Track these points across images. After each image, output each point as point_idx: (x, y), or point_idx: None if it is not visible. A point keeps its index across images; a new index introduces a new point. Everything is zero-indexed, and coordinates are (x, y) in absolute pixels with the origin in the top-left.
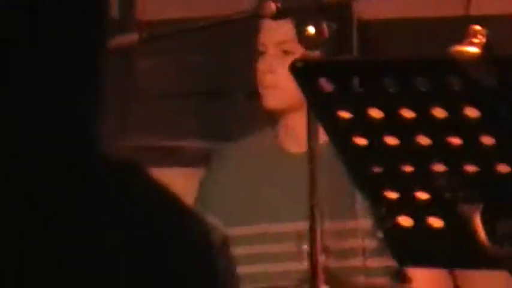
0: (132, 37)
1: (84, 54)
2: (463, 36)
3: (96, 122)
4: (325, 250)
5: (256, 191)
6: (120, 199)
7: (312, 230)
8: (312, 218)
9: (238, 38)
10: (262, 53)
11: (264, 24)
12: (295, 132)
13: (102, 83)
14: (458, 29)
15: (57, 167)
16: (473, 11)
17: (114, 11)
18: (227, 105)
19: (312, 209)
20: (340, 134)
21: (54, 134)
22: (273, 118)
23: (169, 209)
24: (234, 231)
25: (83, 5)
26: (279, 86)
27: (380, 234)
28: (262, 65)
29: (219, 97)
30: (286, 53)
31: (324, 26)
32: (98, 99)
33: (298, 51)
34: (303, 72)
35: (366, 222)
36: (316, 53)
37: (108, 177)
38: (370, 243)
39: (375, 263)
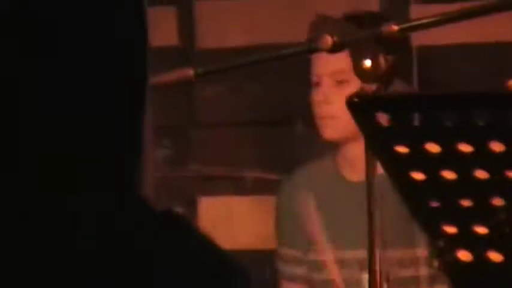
0: (187, 72)
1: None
2: None
3: (133, 168)
4: (387, 279)
5: (322, 218)
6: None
7: (370, 258)
8: (370, 247)
9: (296, 68)
10: (317, 84)
11: (317, 54)
12: (353, 162)
13: (140, 126)
14: None
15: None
16: None
17: (174, 38)
18: (286, 134)
19: (370, 237)
20: (397, 168)
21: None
22: (332, 146)
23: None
24: (303, 257)
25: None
26: (335, 116)
27: (436, 264)
28: (317, 96)
29: (278, 126)
30: (341, 82)
31: (381, 58)
32: (135, 144)
33: (354, 80)
34: (359, 108)
35: (423, 251)
36: (372, 86)
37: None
38: (425, 271)
39: None
